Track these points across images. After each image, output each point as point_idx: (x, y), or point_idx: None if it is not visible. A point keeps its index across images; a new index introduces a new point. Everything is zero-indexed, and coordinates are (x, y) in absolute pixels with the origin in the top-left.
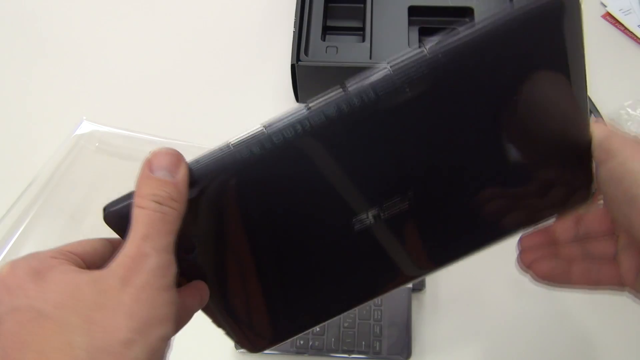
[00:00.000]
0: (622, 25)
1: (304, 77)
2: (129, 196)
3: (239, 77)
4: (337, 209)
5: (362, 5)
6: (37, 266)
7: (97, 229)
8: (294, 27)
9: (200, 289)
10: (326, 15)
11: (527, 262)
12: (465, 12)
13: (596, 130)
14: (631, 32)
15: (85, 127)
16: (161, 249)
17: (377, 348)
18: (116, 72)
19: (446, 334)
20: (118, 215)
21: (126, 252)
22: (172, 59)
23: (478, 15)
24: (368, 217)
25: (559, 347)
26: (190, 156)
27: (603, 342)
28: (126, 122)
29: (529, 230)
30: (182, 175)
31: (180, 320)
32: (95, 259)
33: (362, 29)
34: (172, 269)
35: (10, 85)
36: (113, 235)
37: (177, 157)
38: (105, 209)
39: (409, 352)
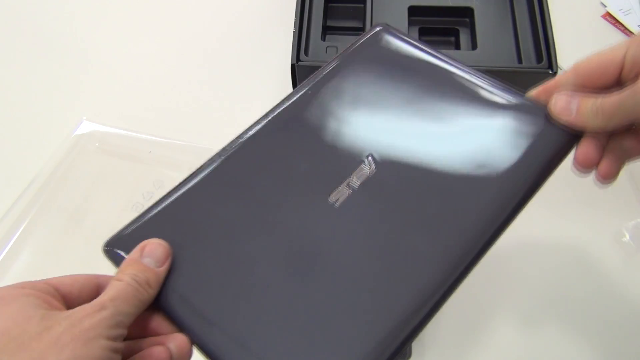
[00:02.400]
0: (622, 25)
1: (304, 77)
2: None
3: (239, 77)
4: (310, 192)
5: (362, 5)
6: (3, 294)
7: (97, 229)
8: (294, 27)
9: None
10: (326, 15)
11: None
12: (465, 12)
13: (622, 99)
14: (631, 32)
15: (85, 127)
16: (120, 313)
17: None
18: (116, 72)
19: (446, 334)
20: (116, 254)
21: (88, 304)
22: (172, 59)
23: (478, 15)
24: (342, 187)
25: (561, 346)
26: (190, 156)
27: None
28: (126, 122)
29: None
30: (165, 267)
31: None
32: (77, 296)
33: (362, 29)
34: (121, 332)
35: (10, 85)
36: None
37: (167, 251)
38: (106, 245)
39: (409, 352)
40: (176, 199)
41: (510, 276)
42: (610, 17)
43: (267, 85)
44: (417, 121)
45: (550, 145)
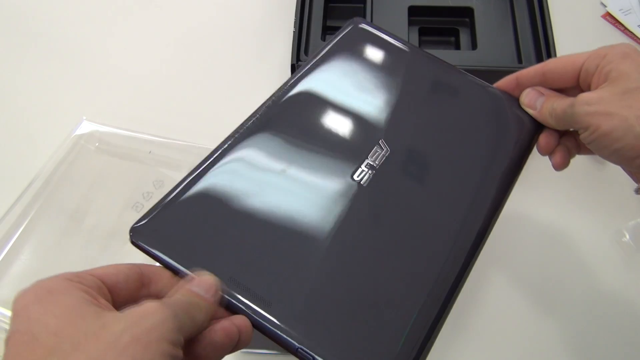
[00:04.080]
0: (622, 25)
1: None
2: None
3: (239, 77)
4: (335, 171)
5: (362, 5)
6: (50, 287)
7: (97, 229)
8: (294, 27)
9: (235, 327)
10: (326, 15)
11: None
12: (465, 12)
13: (565, 108)
14: (631, 32)
15: (85, 127)
16: (180, 318)
17: None
18: (116, 71)
19: (446, 334)
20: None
21: (145, 305)
22: (172, 59)
23: (478, 15)
24: (363, 167)
25: (560, 346)
26: (190, 156)
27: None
28: (126, 122)
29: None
30: (215, 299)
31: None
32: (123, 287)
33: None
34: (182, 338)
35: (10, 85)
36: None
37: (216, 283)
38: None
39: None
40: (200, 180)
41: (510, 276)
42: (610, 17)
43: (268, 85)
44: (411, 111)
45: (524, 126)
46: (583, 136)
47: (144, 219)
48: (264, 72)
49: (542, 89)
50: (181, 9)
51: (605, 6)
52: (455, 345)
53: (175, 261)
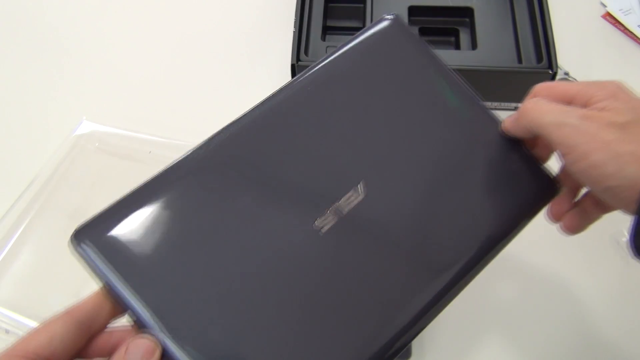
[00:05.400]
0: (622, 25)
1: None
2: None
3: (239, 77)
4: (294, 215)
5: (362, 5)
6: None
7: None
8: (294, 27)
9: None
10: (326, 15)
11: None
12: (465, 12)
13: (546, 117)
14: (631, 32)
15: (85, 127)
16: None
17: None
18: (116, 72)
19: (446, 334)
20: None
21: None
22: (172, 59)
23: (478, 15)
24: (329, 212)
25: (560, 345)
26: None
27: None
28: (126, 122)
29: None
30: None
31: None
32: (62, 352)
33: (362, 29)
34: None
35: (10, 85)
36: None
37: (152, 347)
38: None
39: (408, 352)
40: (150, 196)
41: (509, 276)
42: (610, 17)
43: (267, 85)
44: (413, 148)
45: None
46: (569, 161)
47: (91, 225)
48: (264, 72)
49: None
50: (181, 9)
51: (605, 6)
52: (454, 347)
53: (113, 279)
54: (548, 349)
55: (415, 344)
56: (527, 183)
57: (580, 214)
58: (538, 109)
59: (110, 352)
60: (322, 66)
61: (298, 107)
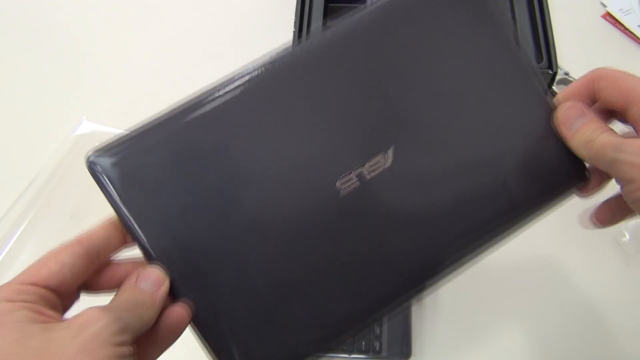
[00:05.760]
0: (622, 25)
1: None
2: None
3: None
4: (318, 170)
5: (362, 6)
6: None
7: None
8: (294, 27)
9: (180, 311)
10: (326, 15)
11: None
12: None
13: (606, 147)
14: (631, 32)
15: (85, 127)
16: (122, 318)
17: (377, 348)
18: (116, 72)
19: (446, 334)
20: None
21: (87, 314)
22: (172, 59)
23: None
24: (351, 176)
25: (560, 345)
26: None
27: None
28: (126, 122)
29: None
30: (162, 291)
31: (165, 341)
32: (72, 280)
33: None
34: (127, 337)
35: (10, 85)
36: None
37: (161, 276)
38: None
39: (408, 352)
40: (175, 128)
41: (509, 276)
42: (610, 17)
43: None
44: (455, 119)
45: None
46: (626, 191)
47: (110, 148)
48: None
49: (586, 108)
50: (181, 9)
51: (605, 6)
52: (454, 346)
53: (126, 209)
54: (548, 348)
55: (416, 344)
56: (559, 163)
57: (614, 210)
58: (591, 146)
59: (118, 284)
60: (369, 10)
61: (342, 53)
